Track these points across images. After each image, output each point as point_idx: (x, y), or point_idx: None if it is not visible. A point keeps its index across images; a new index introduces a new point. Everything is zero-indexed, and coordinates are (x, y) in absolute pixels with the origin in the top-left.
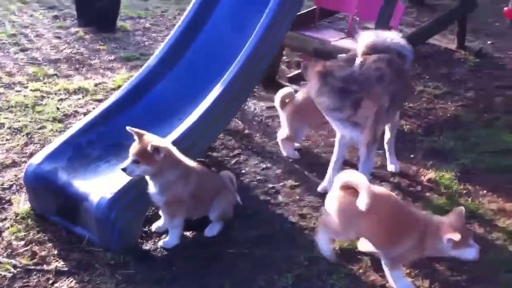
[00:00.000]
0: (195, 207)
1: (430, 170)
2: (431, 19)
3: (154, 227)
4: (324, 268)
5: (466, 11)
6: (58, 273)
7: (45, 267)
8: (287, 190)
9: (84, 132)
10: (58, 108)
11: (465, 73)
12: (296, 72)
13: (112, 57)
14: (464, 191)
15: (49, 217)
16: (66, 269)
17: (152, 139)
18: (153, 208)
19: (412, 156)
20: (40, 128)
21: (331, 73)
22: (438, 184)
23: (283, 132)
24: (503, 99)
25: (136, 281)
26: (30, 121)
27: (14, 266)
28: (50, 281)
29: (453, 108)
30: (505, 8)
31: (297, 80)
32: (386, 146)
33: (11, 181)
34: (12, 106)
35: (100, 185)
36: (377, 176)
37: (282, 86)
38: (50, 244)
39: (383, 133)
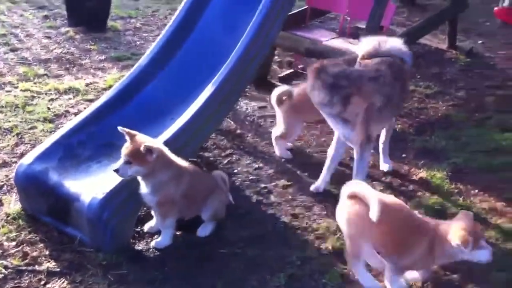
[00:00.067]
0: (188, 207)
1: (422, 170)
2: (422, 19)
3: (146, 227)
4: (316, 268)
5: (457, 11)
6: (50, 274)
7: (36, 267)
8: (280, 190)
9: (75, 132)
10: (48, 108)
11: (456, 72)
12: (288, 71)
13: (103, 57)
14: (456, 190)
15: (40, 217)
16: (58, 269)
17: (144, 140)
18: (145, 208)
19: (403, 155)
20: (30, 128)
21: (325, 69)
22: (430, 183)
23: (277, 129)
24: (494, 98)
25: (128, 282)
26: (21, 121)
27: (6, 267)
28: (42, 282)
29: (444, 107)
30: (496, 8)
31: (288, 79)
32: (380, 146)
33: (2, 181)
34: (2, 106)
35: (91, 185)
36: (369, 176)
37: (274, 86)
38: (42, 245)
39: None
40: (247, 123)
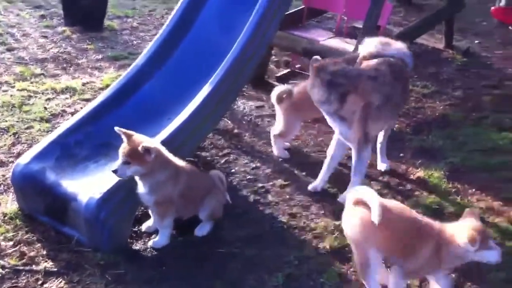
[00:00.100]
0: (185, 206)
1: (419, 169)
2: (419, 19)
3: (144, 227)
4: (314, 268)
5: (454, 11)
6: (47, 274)
7: (34, 267)
8: (277, 190)
9: (72, 132)
10: (45, 108)
11: (453, 72)
12: (285, 71)
13: (100, 57)
14: (453, 190)
15: (37, 217)
16: (55, 269)
17: (141, 140)
18: (142, 208)
19: (401, 155)
20: (27, 128)
21: (324, 67)
22: (427, 182)
23: (276, 128)
24: (491, 98)
25: (126, 281)
26: (17, 121)
27: (3, 267)
28: (39, 282)
29: (441, 107)
30: (492, 8)
31: (286, 79)
32: (378, 146)
33: None
34: None
35: (88, 185)
36: (366, 175)
37: (271, 86)
38: (39, 245)
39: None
40: (244, 122)
